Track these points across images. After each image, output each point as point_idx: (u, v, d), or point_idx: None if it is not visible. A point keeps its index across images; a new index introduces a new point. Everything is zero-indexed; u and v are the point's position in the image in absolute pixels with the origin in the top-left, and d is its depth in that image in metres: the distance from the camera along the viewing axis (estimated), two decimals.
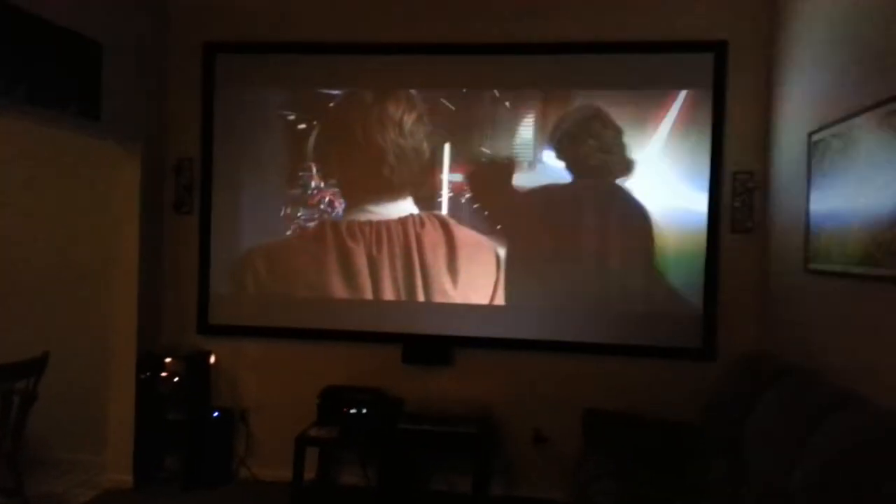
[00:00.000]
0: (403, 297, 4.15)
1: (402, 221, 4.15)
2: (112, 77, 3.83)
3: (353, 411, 3.89)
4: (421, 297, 4.13)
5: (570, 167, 4.02)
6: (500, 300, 4.06)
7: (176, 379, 4.06)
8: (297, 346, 4.25)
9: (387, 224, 4.17)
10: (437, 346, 4.10)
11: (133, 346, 4.09)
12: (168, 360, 4.10)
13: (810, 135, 3.19)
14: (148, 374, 4.07)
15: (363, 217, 4.20)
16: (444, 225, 4.13)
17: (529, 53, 4.07)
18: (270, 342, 4.27)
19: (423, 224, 4.15)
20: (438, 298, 4.11)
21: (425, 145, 4.16)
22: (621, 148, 3.96)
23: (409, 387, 4.11)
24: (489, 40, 4.09)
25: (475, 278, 4.09)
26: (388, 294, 4.16)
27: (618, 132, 3.97)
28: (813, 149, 3.16)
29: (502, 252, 4.07)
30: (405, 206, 4.16)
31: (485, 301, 4.07)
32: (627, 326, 3.95)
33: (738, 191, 3.91)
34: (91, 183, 4.45)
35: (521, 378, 4.07)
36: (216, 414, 4.13)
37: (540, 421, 4.03)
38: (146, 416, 4.08)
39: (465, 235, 4.10)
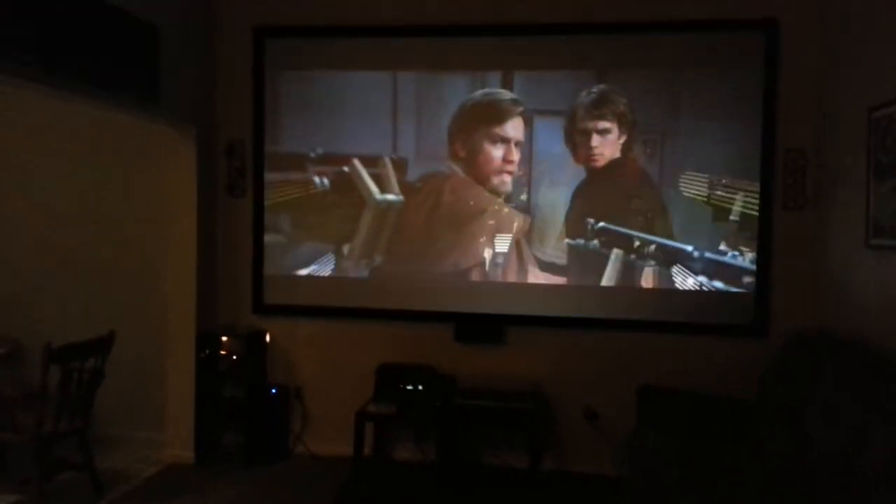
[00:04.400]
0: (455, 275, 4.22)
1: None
2: (168, 60, 3.90)
3: (409, 388, 3.98)
4: (476, 276, 4.20)
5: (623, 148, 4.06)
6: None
7: (234, 357, 4.17)
8: (350, 325, 4.33)
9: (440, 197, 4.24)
10: (490, 324, 4.16)
11: (192, 325, 4.19)
12: (225, 338, 4.20)
13: (871, 111, 3.19)
14: (207, 352, 4.18)
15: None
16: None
17: (573, 33, 4.09)
18: (324, 321, 4.36)
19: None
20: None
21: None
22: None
23: (461, 364, 4.18)
24: (534, 20, 4.11)
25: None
26: (442, 270, 4.24)
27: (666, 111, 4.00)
28: (874, 125, 3.16)
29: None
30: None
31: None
32: (679, 303, 4.00)
33: (790, 168, 3.92)
34: (148, 166, 4.53)
35: (572, 356, 4.13)
36: (273, 391, 4.23)
37: (591, 398, 4.09)
38: (205, 394, 4.19)
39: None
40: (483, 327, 4.17)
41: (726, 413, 3.44)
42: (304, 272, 4.39)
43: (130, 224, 4.58)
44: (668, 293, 4.01)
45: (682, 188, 3.99)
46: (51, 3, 3.07)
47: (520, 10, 4.13)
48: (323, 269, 4.38)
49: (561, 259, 4.12)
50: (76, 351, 3.55)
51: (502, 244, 4.18)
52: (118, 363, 3.97)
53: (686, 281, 4.00)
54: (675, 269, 4.02)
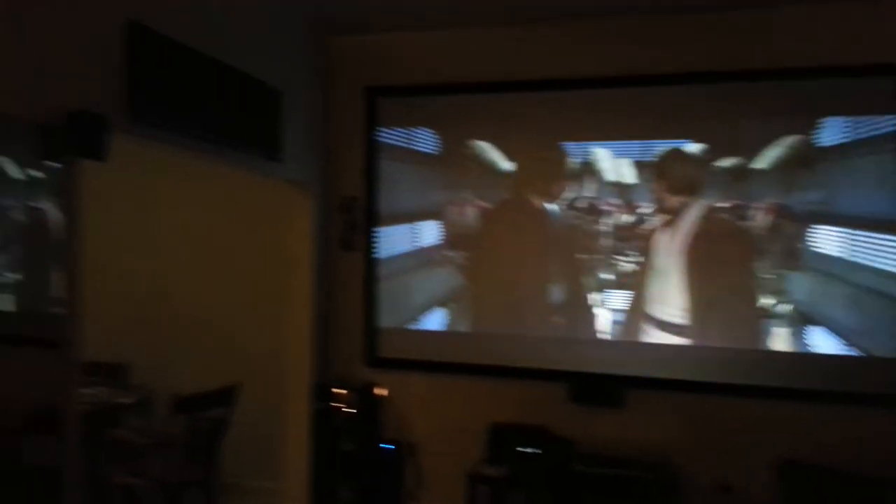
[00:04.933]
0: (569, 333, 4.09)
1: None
2: (289, 122, 4.06)
3: (524, 451, 3.85)
4: (590, 334, 4.06)
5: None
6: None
7: (348, 410, 4.19)
8: (462, 381, 4.27)
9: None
10: (608, 385, 3.99)
11: (307, 377, 4.27)
12: (340, 391, 4.24)
13: None
14: (322, 405, 4.23)
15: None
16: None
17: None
18: (435, 376, 4.33)
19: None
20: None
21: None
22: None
23: (577, 427, 4.02)
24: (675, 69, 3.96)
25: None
26: (555, 328, 4.12)
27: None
28: None
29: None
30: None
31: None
32: (821, 368, 3.68)
33: None
34: (266, 222, 4.71)
35: (700, 423, 3.87)
36: (387, 447, 4.22)
37: (722, 469, 3.81)
38: (321, 447, 4.23)
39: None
40: (601, 388, 4.00)
41: (881, 497, 3.10)
42: (415, 326, 4.40)
43: (251, 277, 4.76)
44: (807, 357, 3.71)
45: (819, 244, 3.71)
46: (195, 74, 3.27)
47: (653, 59, 4.00)
48: (435, 322, 4.37)
49: (683, 318, 3.90)
50: (202, 401, 3.68)
51: (620, 300, 4.02)
52: (241, 412, 4.09)
53: (826, 343, 3.68)
54: (813, 330, 3.71)
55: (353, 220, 4.54)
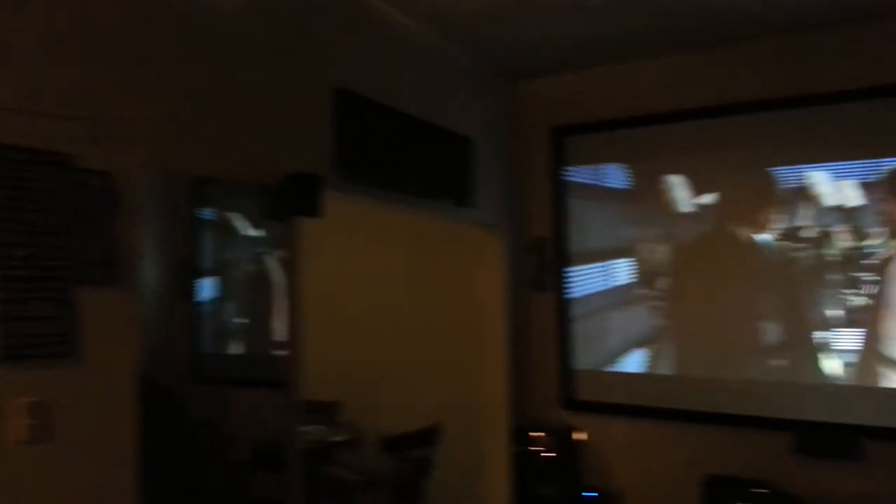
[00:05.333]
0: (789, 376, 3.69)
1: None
2: (479, 166, 4.16)
3: None
4: (816, 378, 3.64)
5: None
6: None
7: (547, 454, 4.11)
8: (668, 427, 4.02)
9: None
10: (840, 435, 3.53)
11: (504, 419, 4.27)
12: (537, 434, 4.18)
13: None
14: (520, 448, 4.19)
15: None
16: None
17: None
18: (638, 421, 4.12)
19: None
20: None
21: None
22: None
23: (805, 482, 3.59)
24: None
25: None
26: (773, 371, 3.75)
27: None
28: None
29: None
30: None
31: None
32: None
33: None
34: (459, 265, 4.81)
35: None
36: (590, 494, 4.07)
37: None
38: (521, 490, 4.18)
39: None
40: (832, 439, 3.54)
41: None
42: (612, 368, 4.24)
43: (448, 319, 4.86)
44: None
45: None
46: (392, 130, 3.50)
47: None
48: (633, 364, 4.18)
49: None
50: (408, 441, 3.80)
51: (850, 339, 3.57)
52: (442, 453, 4.16)
53: None
54: None
55: (543, 261, 4.52)
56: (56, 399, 2.07)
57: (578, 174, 4.45)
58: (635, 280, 4.19)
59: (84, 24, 2.22)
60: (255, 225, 4.48)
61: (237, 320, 5.23)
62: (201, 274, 4.67)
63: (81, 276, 2.17)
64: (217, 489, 4.08)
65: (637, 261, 4.19)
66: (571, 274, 4.41)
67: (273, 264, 4.47)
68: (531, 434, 4.20)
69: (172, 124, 2.50)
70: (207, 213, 5.02)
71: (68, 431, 2.10)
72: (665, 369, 4.09)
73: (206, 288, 4.91)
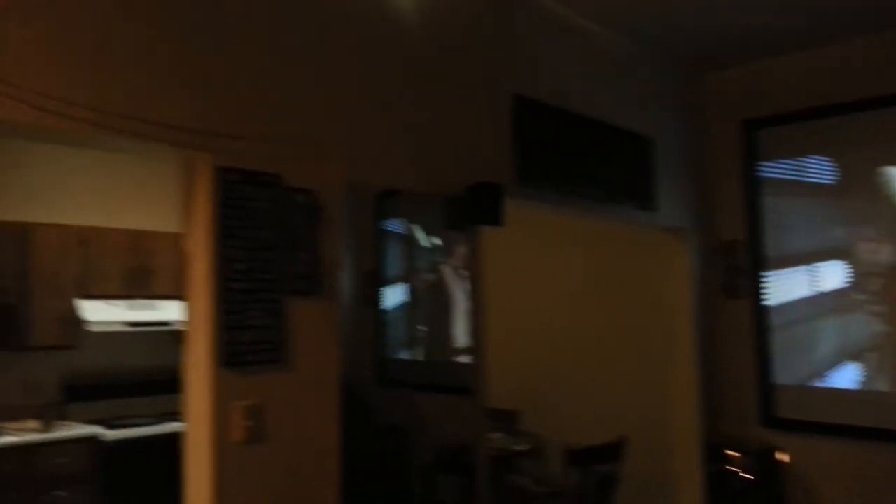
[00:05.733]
0: None
1: None
2: (660, 167, 3.95)
3: None
4: None
5: None
6: None
7: (745, 476, 3.79)
8: (885, 451, 3.54)
9: None
10: None
11: (694, 435, 4.00)
12: (733, 454, 3.87)
13: None
14: (714, 467, 3.91)
15: None
16: None
17: None
18: (853, 443, 3.67)
19: None
20: None
21: None
22: None
23: None
24: None
25: None
26: None
27: None
28: None
29: None
30: None
31: None
32: None
33: None
34: (642, 271, 4.60)
35: None
36: None
37: None
38: None
39: None
40: None
41: None
42: (820, 383, 3.82)
43: (632, 328, 4.64)
44: None
45: None
46: (569, 134, 3.42)
47: None
48: (846, 379, 3.74)
49: None
50: (592, 454, 3.68)
51: None
52: (628, 468, 3.99)
53: None
54: None
55: (736, 265, 4.19)
56: (269, 402, 2.24)
57: (774, 169, 4.08)
58: (849, 284, 3.74)
59: (283, 50, 2.40)
60: (434, 235, 4.61)
61: (419, 327, 5.41)
62: (385, 283, 4.89)
63: (289, 287, 2.33)
64: (405, 490, 4.23)
65: (852, 263, 3.74)
66: (769, 279, 4.05)
67: (452, 273, 4.58)
68: (727, 453, 3.89)
69: (366, 140, 2.62)
70: (390, 224, 5.26)
71: (280, 432, 2.26)
72: (884, 385, 3.61)
73: (390, 296, 5.13)
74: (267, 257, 2.28)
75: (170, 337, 4.64)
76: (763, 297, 4.06)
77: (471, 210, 2.94)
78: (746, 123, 4.18)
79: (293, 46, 2.41)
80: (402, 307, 5.51)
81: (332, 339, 2.45)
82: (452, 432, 4.12)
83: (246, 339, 2.21)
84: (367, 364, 4.97)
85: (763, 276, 4.07)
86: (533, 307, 5.23)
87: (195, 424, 2.17)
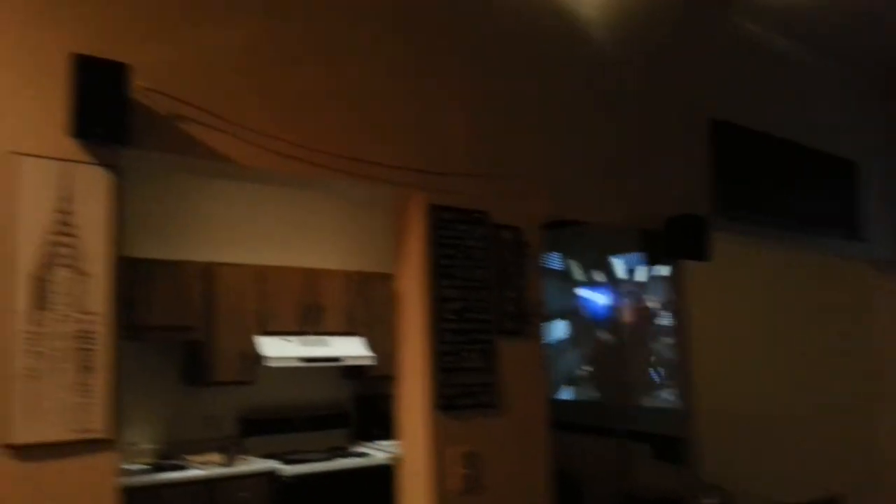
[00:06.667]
0: None
1: None
2: (866, 192, 3.56)
3: None
4: None
5: None
6: None
7: None
8: None
9: None
10: None
11: None
12: None
13: None
14: None
15: None
16: None
17: None
18: None
19: None
20: None
21: None
22: None
23: None
24: None
25: None
26: None
27: None
28: None
29: None
30: None
31: None
32: None
33: None
34: (845, 311, 4.08)
35: None
36: None
37: None
38: None
39: None
40: None
41: None
42: None
43: (836, 372, 4.08)
44: None
45: None
46: (769, 159, 3.15)
47: None
48: None
49: None
50: None
51: None
52: None
53: None
54: None
55: None
56: (484, 449, 2.13)
57: None
58: None
59: (490, 97, 2.34)
60: (631, 269, 4.36)
61: (583, 366, 5.18)
62: (549, 318, 4.71)
63: (500, 326, 2.23)
64: None
65: None
66: None
67: (632, 309, 4.32)
68: None
69: (565, 174, 2.51)
70: (553, 258, 5.10)
71: (496, 481, 2.13)
72: None
73: (551, 332, 4.93)
74: (480, 296, 2.19)
75: (338, 372, 4.70)
76: None
77: (673, 243, 2.73)
78: None
79: (500, 92, 2.37)
80: (563, 343, 5.31)
81: (540, 382, 2.32)
82: (625, 477, 3.83)
83: (460, 381, 2.12)
84: None
85: None
86: (726, 345, 4.66)
87: (411, 472, 2.10)
